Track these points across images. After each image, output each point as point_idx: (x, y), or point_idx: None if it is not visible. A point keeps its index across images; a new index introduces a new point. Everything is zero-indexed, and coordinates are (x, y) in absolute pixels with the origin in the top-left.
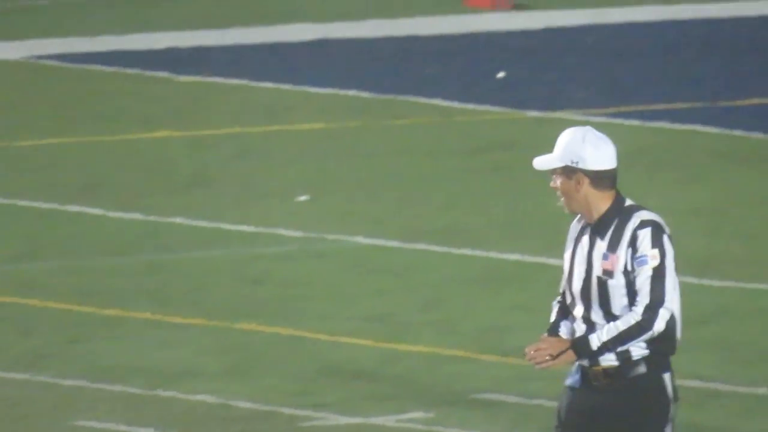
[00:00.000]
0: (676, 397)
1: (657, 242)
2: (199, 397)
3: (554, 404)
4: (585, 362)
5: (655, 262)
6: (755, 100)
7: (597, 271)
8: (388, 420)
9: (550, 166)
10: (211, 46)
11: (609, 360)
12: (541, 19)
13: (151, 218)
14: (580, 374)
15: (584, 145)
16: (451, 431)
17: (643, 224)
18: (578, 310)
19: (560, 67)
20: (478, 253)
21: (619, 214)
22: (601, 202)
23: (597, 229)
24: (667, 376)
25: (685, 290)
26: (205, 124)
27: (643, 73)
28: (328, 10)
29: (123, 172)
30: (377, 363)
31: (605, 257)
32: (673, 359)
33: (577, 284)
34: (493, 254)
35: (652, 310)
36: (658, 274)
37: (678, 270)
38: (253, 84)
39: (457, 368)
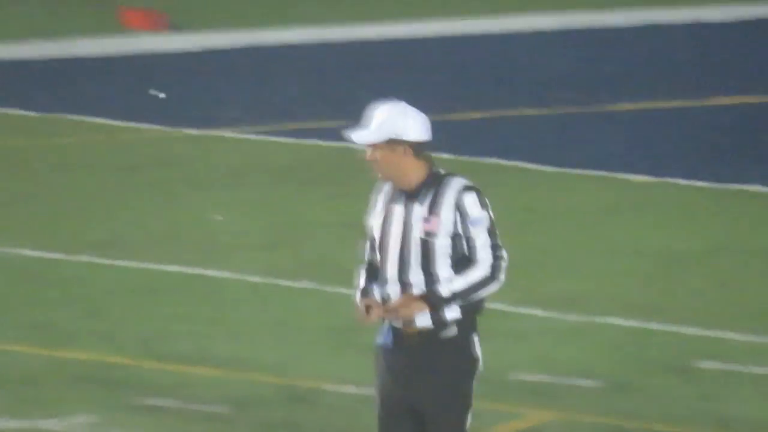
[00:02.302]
0: (480, 357)
1: (483, 205)
2: None
3: (215, 409)
4: (399, 324)
5: (487, 222)
6: None
7: (418, 233)
8: (55, 425)
9: (375, 141)
10: None
11: (425, 322)
12: (197, 41)
13: None
14: (392, 334)
15: (407, 119)
16: None
17: (466, 189)
18: (391, 273)
19: (216, 87)
20: (136, 264)
21: (435, 180)
22: (419, 170)
23: (414, 194)
24: (474, 337)
25: (329, 299)
26: None
27: (296, 93)
28: None
29: None
30: (43, 369)
31: (426, 220)
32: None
33: (393, 247)
34: (151, 266)
35: (497, 264)
36: (492, 233)
37: (336, 273)
38: None
39: (120, 374)
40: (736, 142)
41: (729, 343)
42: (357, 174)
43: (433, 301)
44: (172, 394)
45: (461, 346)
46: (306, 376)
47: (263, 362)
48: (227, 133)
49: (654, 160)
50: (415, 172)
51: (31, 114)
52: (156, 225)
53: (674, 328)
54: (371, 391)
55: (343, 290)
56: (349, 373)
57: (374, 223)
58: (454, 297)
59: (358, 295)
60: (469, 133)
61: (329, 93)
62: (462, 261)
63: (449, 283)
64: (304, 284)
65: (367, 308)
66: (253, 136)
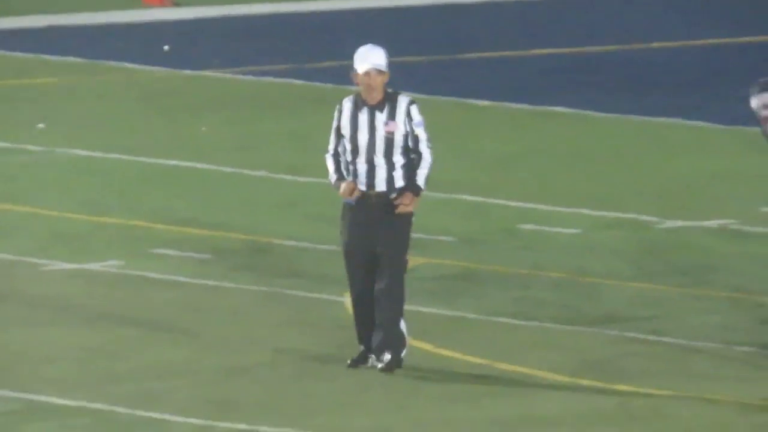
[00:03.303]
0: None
1: (420, 112)
2: None
3: (202, 256)
4: (363, 187)
5: (423, 123)
6: (330, 63)
7: (381, 132)
8: (95, 266)
9: (385, 67)
10: None
11: (381, 186)
12: (192, 13)
13: None
14: (355, 197)
15: (385, 53)
16: (139, 274)
17: (411, 102)
18: (361, 158)
19: (204, 43)
20: (150, 160)
21: (389, 97)
22: (383, 90)
23: (376, 106)
24: None
25: (279, 183)
26: None
27: (258, 47)
28: (52, 4)
29: None
30: (87, 230)
31: (387, 124)
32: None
33: (362, 140)
34: (159, 161)
35: (431, 152)
36: (426, 131)
37: (284, 166)
38: None
39: (139, 233)
40: (550, 81)
41: (541, 212)
42: (298, 101)
43: (418, 192)
44: (173, 246)
45: None
46: (263, 234)
47: (234, 225)
48: (211, 74)
49: (495, 92)
50: (382, 91)
51: (80, 61)
52: (162, 134)
53: (505, 202)
54: (307, 244)
55: (289, 177)
56: (292, 232)
57: (344, 125)
58: (425, 184)
59: (335, 177)
60: None
61: (280, 47)
62: (407, 150)
63: (419, 176)
64: (262, 174)
65: (351, 189)
66: (229, 75)
